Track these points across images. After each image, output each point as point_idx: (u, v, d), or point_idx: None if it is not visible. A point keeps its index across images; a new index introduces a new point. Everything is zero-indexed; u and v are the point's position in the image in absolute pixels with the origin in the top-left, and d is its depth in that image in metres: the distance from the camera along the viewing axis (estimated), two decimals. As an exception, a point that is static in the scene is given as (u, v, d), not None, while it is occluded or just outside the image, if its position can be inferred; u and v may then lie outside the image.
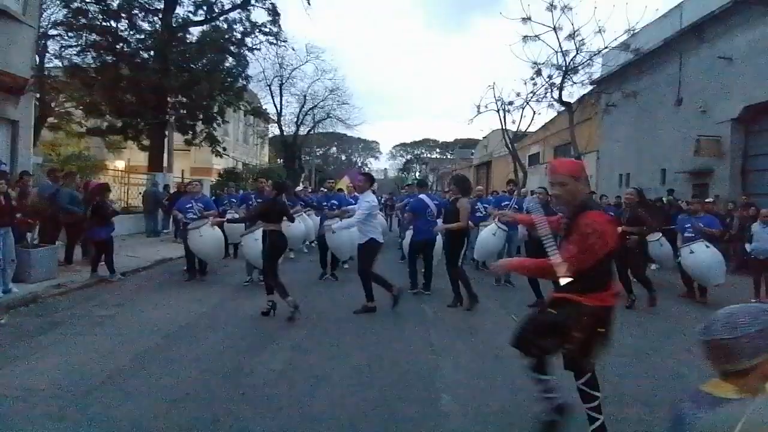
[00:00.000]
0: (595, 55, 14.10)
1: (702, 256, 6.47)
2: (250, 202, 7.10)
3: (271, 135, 34.48)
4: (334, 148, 62.83)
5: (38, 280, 6.48)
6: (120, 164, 22.16)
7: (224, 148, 20.27)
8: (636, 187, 6.90)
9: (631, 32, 13.32)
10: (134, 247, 10.45)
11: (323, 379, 3.45)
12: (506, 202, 7.77)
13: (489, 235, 7.24)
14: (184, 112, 16.08)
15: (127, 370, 3.69)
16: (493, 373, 3.76)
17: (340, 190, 8.80)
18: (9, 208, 5.76)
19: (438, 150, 72.43)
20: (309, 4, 19.32)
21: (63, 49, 16.41)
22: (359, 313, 5.47)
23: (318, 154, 53.09)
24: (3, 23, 8.35)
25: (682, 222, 7.23)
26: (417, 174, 64.53)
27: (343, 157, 66.90)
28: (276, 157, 41.20)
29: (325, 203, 7.35)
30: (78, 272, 7.37)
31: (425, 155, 72.67)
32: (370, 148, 70.46)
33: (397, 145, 74.49)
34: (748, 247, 6.93)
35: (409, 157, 73.65)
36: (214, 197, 11.27)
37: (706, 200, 9.16)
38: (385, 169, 74.70)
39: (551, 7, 13.26)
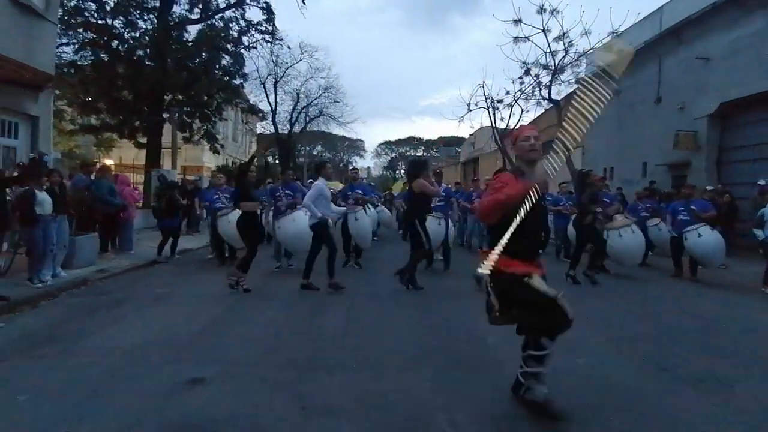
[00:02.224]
0: (581, 55, 14.95)
1: (709, 239, 7.00)
2: (278, 194, 7.59)
3: (258, 132, 34.74)
4: (319, 146, 62.99)
5: (81, 266, 6.91)
6: (108, 162, 22.30)
7: (222, 146, 20.62)
8: (590, 169, 7.55)
9: (615, 34, 14.19)
10: (154, 239, 10.81)
11: (384, 329, 4.09)
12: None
13: None
14: (189, 109, 16.38)
15: (210, 329, 4.25)
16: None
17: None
18: (65, 197, 6.20)
19: (422, 148, 73.38)
20: (304, 3, 19.70)
21: (58, 47, 16.49)
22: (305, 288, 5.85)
23: (303, 152, 53.27)
24: (27, 18, 8.60)
25: (675, 206, 7.74)
26: (402, 172, 65.21)
27: (330, 156, 67.11)
28: (264, 154, 41.35)
29: (349, 192, 7.88)
30: (113, 259, 7.81)
31: (410, 153, 73.50)
32: (355, 146, 70.83)
33: (382, 144, 75.17)
34: (760, 233, 6.57)
35: (394, 155, 74.37)
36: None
37: (708, 188, 9.45)
38: (369, 167, 75.22)
39: (541, 10, 14.05)
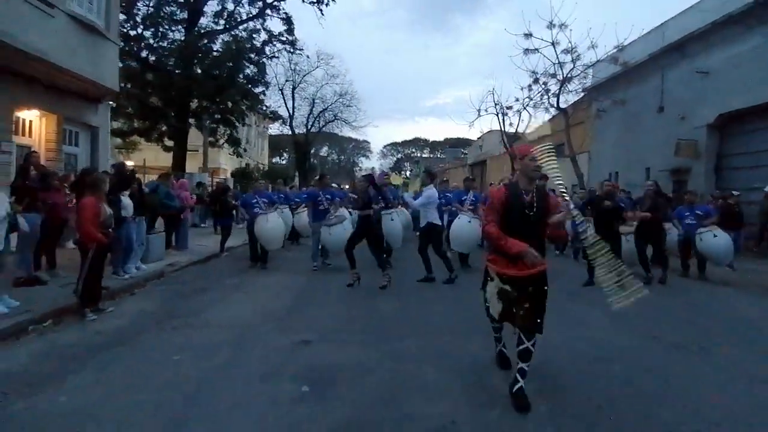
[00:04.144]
0: (588, 67, 15.89)
1: (722, 240, 7.77)
2: (319, 198, 8.52)
3: (270, 135, 35.89)
4: (326, 147, 64.00)
5: (153, 260, 7.91)
6: (129, 164, 23.36)
7: (245, 149, 21.69)
8: (655, 181, 8.32)
9: (620, 48, 15.13)
10: (196, 238, 11.80)
11: (430, 310, 5.07)
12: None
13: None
14: (219, 117, 17.40)
15: (294, 308, 5.26)
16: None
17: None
18: (143, 200, 7.20)
19: (428, 149, 74.46)
20: (322, 14, 20.75)
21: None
22: (421, 281, 6.90)
23: (313, 153, 54.38)
24: (92, 38, 9.59)
25: (681, 211, 8.40)
26: (408, 173, 66.11)
27: (335, 158, 68.15)
28: (272, 156, 42.58)
29: (380, 196, 8.71)
30: (175, 255, 8.81)
31: (416, 154, 74.49)
32: (360, 147, 71.88)
33: (388, 145, 76.15)
34: None
35: (399, 156, 75.39)
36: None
37: (733, 192, 9.88)
38: (373, 168, 76.08)
39: (551, 25, 15.03)
